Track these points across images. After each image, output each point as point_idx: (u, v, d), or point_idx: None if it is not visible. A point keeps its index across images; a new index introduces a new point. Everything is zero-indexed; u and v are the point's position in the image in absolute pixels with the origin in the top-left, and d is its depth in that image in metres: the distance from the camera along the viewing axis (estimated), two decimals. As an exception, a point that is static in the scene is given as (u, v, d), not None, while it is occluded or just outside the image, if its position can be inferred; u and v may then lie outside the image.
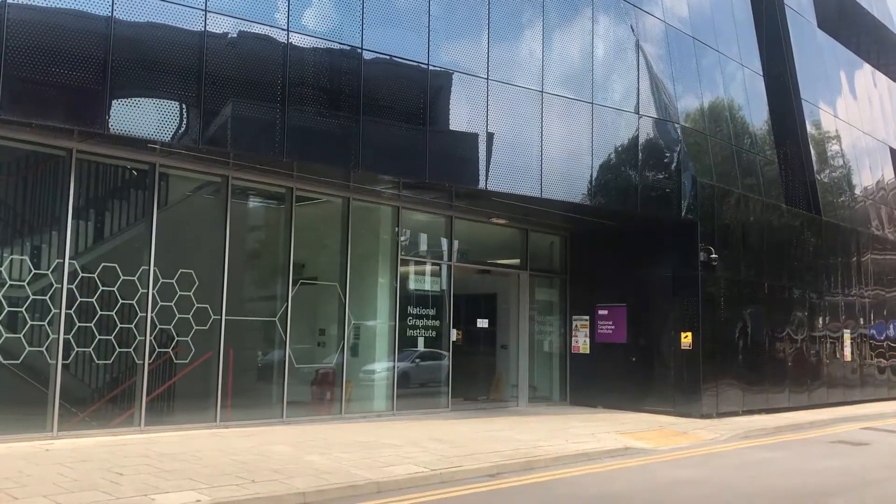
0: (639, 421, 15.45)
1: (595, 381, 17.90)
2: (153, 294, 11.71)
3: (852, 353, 22.05)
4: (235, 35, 11.26)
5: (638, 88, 16.30)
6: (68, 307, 10.90)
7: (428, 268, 16.43)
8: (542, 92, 14.68)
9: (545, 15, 15.01)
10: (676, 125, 16.84)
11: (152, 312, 11.70)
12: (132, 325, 11.60)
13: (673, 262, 16.97)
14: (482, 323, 18.35)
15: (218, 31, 10.97)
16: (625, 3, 16.37)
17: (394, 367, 15.03)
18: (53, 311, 10.82)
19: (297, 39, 11.75)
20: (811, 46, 22.93)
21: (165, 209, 12.10)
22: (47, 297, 10.83)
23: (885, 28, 27.84)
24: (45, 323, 10.80)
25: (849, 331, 21.96)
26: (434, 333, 15.99)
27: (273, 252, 14.02)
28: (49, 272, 10.90)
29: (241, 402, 12.88)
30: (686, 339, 16.43)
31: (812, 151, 21.70)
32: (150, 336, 11.67)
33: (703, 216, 16.68)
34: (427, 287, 16.36)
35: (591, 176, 15.41)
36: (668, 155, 16.67)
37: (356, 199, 14.51)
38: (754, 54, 20.21)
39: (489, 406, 17.47)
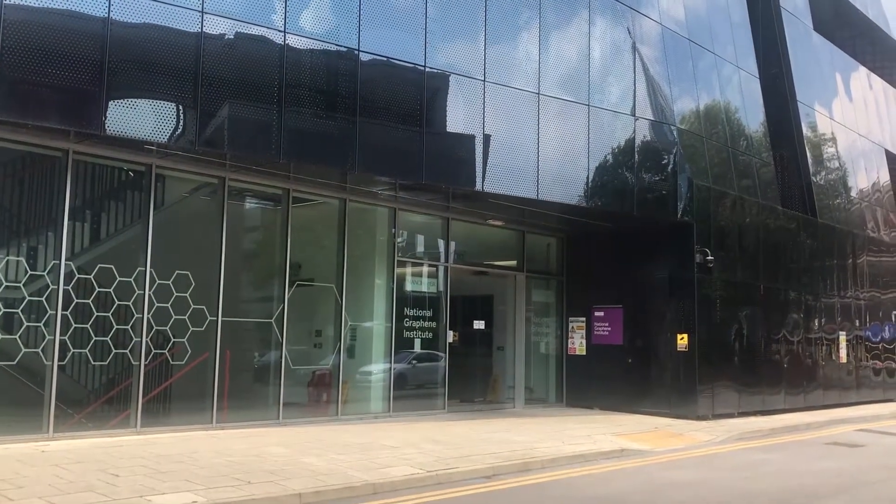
0: (635, 422, 15.47)
1: (591, 383, 17.91)
2: (149, 295, 11.70)
3: (848, 355, 22.09)
4: (232, 36, 11.26)
5: (634, 90, 16.34)
6: (64, 308, 10.89)
7: (425, 269, 16.43)
8: (538, 94, 14.71)
9: (542, 17, 15.03)
10: (673, 127, 16.87)
11: (148, 314, 11.69)
12: (128, 327, 11.59)
13: (669, 263, 16.99)
14: (479, 324, 18.38)
15: (215, 33, 10.97)
16: (621, 6, 16.40)
17: (390, 368, 15.03)
18: (49, 312, 10.81)
19: (293, 41, 11.76)
20: (807, 49, 22.99)
21: (162, 210, 12.10)
22: (43, 299, 10.82)
23: (880, 31, 27.93)
24: (42, 324, 10.79)
25: (844, 333, 22.00)
26: (431, 335, 15.99)
27: (269, 253, 14.01)
28: (45, 273, 10.89)
29: (238, 403, 12.88)
30: (682, 340, 16.46)
31: (808, 154, 21.75)
32: (147, 337, 11.66)
33: (699, 218, 16.71)
34: (424, 288, 16.36)
35: (588, 178, 15.43)
36: (664, 157, 16.70)
37: (353, 200, 14.51)
38: (750, 57, 20.25)
39: (486, 408, 17.49)
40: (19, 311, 10.62)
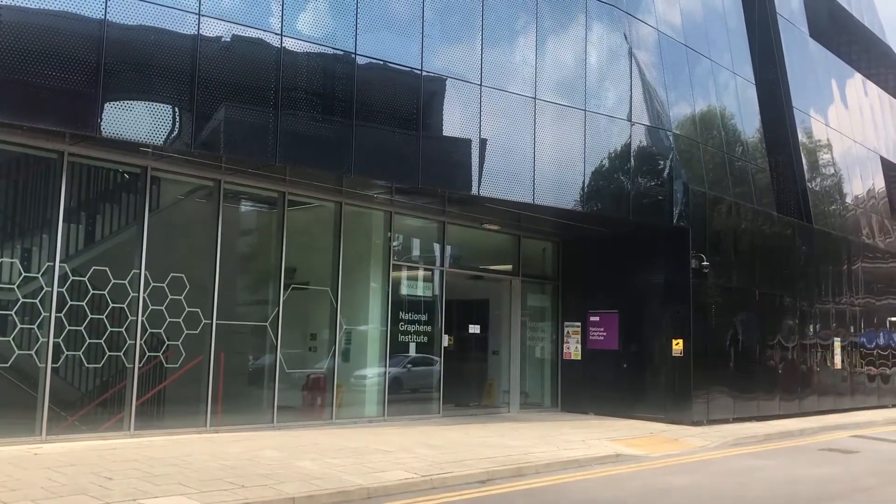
0: (630, 428, 15.46)
1: (586, 388, 17.90)
2: (144, 298, 11.66)
3: (843, 361, 22.12)
4: (229, 39, 11.25)
5: (631, 96, 16.35)
6: (58, 310, 10.85)
7: (420, 273, 16.43)
8: (535, 98, 14.72)
9: (539, 22, 15.05)
10: (669, 133, 16.90)
11: (143, 316, 11.66)
12: (122, 329, 11.55)
13: (664, 269, 17.01)
14: (474, 329, 18.37)
15: (211, 35, 10.96)
16: (618, 11, 16.43)
17: (385, 372, 15.01)
18: (43, 314, 10.77)
19: (290, 44, 11.75)
20: (803, 55, 23.06)
21: (157, 213, 12.07)
22: (37, 301, 10.78)
23: (875, 38, 28.03)
24: (35, 326, 10.75)
25: (839, 339, 22.03)
26: (426, 339, 15.97)
27: (265, 256, 13.99)
28: (39, 275, 10.86)
29: (232, 406, 12.84)
30: (677, 346, 16.46)
31: (803, 160, 21.80)
32: (141, 340, 11.63)
33: (694, 223, 16.73)
34: (419, 292, 16.34)
35: (584, 182, 15.44)
36: (660, 162, 16.73)
37: (349, 203, 14.50)
38: (746, 63, 20.31)
39: (480, 412, 17.46)
40: (13, 312, 10.58)
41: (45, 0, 9.56)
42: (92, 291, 11.26)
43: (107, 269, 11.43)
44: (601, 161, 15.91)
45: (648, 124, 16.60)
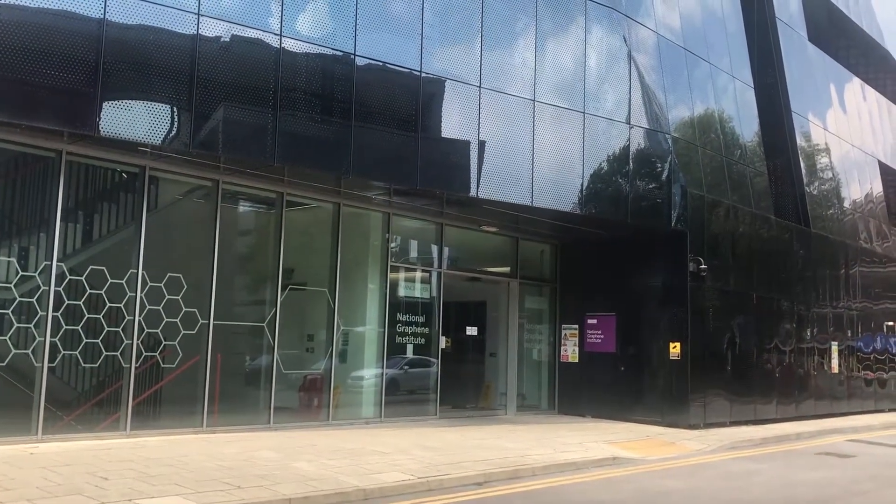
0: (627, 430, 15.46)
1: (584, 391, 17.90)
2: (141, 297, 11.65)
3: (840, 366, 22.13)
4: (228, 39, 11.24)
5: (629, 99, 16.36)
6: (55, 310, 10.83)
7: (418, 274, 16.42)
8: (534, 100, 14.72)
9: (538, 24, 15.06)
10: (667, 136, 16.91)
11: (140, 316, 11.64)
12: (119, 329, 11.53)
13: (662, 271, 17.01)
14: (471, 331, 18.35)
15: (210, 35, 10.95)
16: (617, 14, 16.45)
17: (382, 373, 14.99)
18: (40, 313, 10.75)
19: (289, 44, 11.74)
20: (802, 59, 23.08)
21: (155, 212, 12.06)
22: (34, 300, 10.76)
23: (874, 42, 28.06)
24: (32, 325, 10.73)
25: (836, 343, 22.04)
26: (423, 340, 15.96)
27: (262, 257, 13.98)
28: (36, 274, 10.84)
29: (229, 407, 12.82)
30: (675, 349, 16.47)
31: (802, 164, 21.81)
32: (138, 340, 11.61)
33: (692, 227, 16.73)
34: (417, 294, 16.33)
35: (582, 185, 15.45)
36: (658, 165, 16.73)
37: (347, 204, 14.49)
38: (745, 66, 20.32)
39: (477, 414, 17.45)
40: (10, 311, 10.55)
41: (44, -1, 9.56)
42: (89, 291, 11.25)
43: (104, 268, 11.42)
44: (600, 164, 15.91)
45: (647, 127, 16.61)
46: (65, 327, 10.95)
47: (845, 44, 27.22)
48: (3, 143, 10.50)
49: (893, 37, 29.21)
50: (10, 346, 10.50)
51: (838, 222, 23.47)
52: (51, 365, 10.78)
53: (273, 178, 12.98)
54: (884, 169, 26.93)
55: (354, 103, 12.31)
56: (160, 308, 11.89)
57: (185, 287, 12.14)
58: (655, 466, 12.05)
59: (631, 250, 17.45)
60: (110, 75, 10.08)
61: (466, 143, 13.90)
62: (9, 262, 10.80)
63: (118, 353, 11.51)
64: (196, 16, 10.76)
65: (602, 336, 17.79)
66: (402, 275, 15.96)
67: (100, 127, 10.05)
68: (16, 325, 10.59)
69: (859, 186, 25.17)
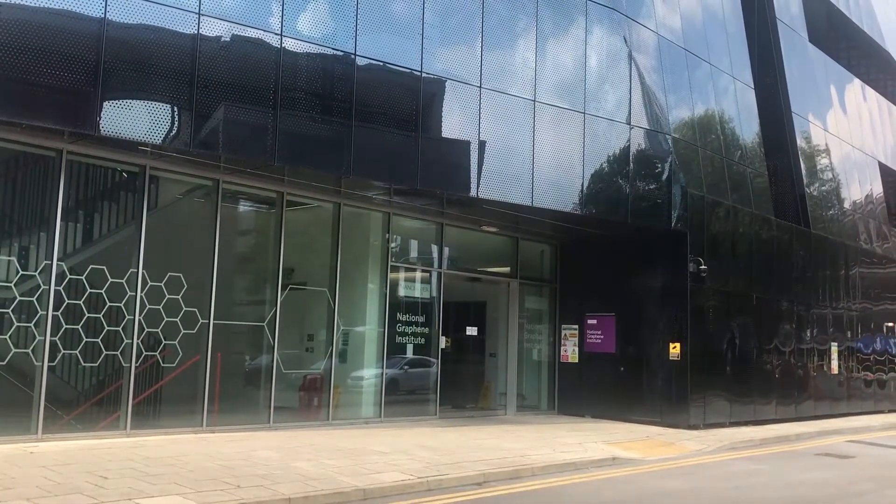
0: (626, 431, 15.46)
1: (583, 391, 17.90)
2: (141, 297, 11.65)
3: (839, 367, 22.14)
4: (229, 39, 11.24)
5: (630, 99, 16.37)
6: (55, 309, 10.84)
7: (418, 274, 16.42)
8: (534, 101, 14.72)
9: (539, 24, 15.06)
10: (668, 136, 16.91)
11: (140, 315, 11.65)
12: (119, 328, 11.54)
13: (662, 272, 17.01)
14: (471, 331, 18.35)
15: (211, 35, 10.95)
16: (618, 15, 16.45)
17: (382, 373, 14.99)
18: (40, 312, 10.76)
19: (290, 44, 11.75)
20: (802, 60, 23.08)
21: (155, 212, 12.06)
22: (34, 299, 10.76)
23: (875, 43, 28.07)
24: (32, 324, 10.73)
25: (836, 344, 22.05)
26: (423, 340, 15.97)
27: (263, 256, 13.98)
28: (37, 273, 10.84)
29: (228, 406, 12.83)
30: (674, 349, 16.47)
31: (802, 164, 21.82)
32: (138, 339, 11.61)
33: (692, 227, 16.74)
34: (417, 294, 16.34)
35: (583, 185, 15.45)
36: (658, 166, 16.74)
37: (347, 204, 14.50)
38: (746, 67, 20.32)
39: (477, 414, 17.46)
40: (10, 311, 10.56)
41: (44, -2, 9.57)
42: (89, 290, 11.25)
43: (104, 267, 11.42)
44: (600, 164, 15.92)
45: (647, 128, 16.61)
46: (65, 326, 10.96)
47: (846, 45, 27.23)
48: (3, 143, 10.50)
49: (894, 38, 29.22)
50: (11, 345, 10.51)
51: (838, 223, 23.47)
52: (51, 364, 10.79)
53: (273, 178, 12.99)
54: (884, 170, 26.93)
55: (355, 103, 12.31)
56: (160, 307, 11.89)
57: (186, 286, 12.14)
58: (655, 467, 12.05)
59: (631, 251, 17.45)
60: (111, 75, 10.08)
61: (467, 144, 13.91)
62: (9, 261, 10.81)
63: (118, 353, 11.52)
64: (196, 15, 10.76)
65: (602, 336, 17.80)
66: (402, 275, 15.96)
67: (100, 126, 10.05)
68: (16, 324, 10.59)
69: (859, 187, 25.17)
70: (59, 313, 10.90)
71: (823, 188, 23.21)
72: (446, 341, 16.56)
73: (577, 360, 18.18)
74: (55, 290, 10.84)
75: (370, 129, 12.59)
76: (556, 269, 18.91)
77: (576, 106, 15.43)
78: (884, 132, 28.11)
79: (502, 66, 14.50)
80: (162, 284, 11.92)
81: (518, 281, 18.28)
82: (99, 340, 11.35)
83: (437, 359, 16.04)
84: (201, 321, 12.32)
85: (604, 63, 16.26)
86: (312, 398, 14.20)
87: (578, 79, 15.60)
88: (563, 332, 18.50)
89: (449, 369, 16.48)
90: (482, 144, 13.96)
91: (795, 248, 20.67)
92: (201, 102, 10.86)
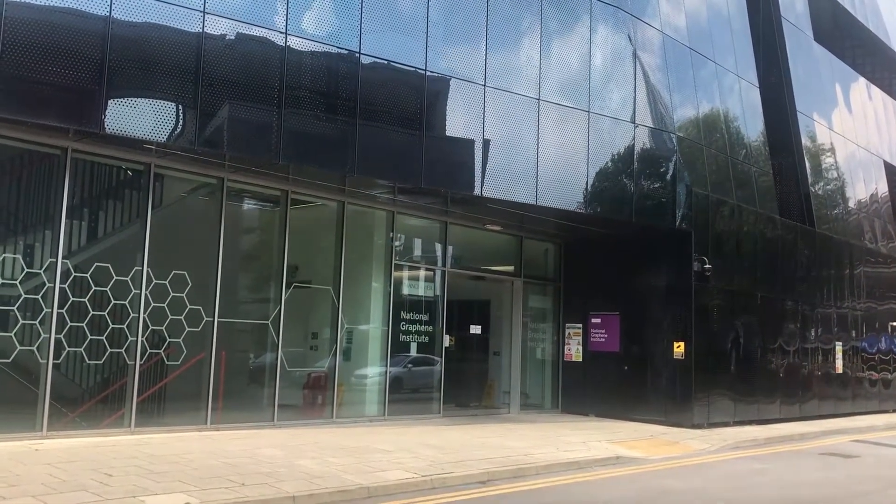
0: (630, 430, 15.45)
1: (587, 390, 17.89)
2: (146, 295, 11.67)
3: (844, 366, 22.09)
4: (233, 37, 11.25)
5: (634, 98, 16.35)
6: (60, 306, 10.86)
7: (422, 273, 16.42)
8: (538, 99, 14.71)
9: (543, 23, 15.04)
10: (672, 135, 16.88)
11: (144, 313, 11.66)
12: (124, 326, 11.56)
13: (667, 271, 16.99)
14: (475, 329, 18.36)
15: (216, 33, 10.96)
16: (623, 13, 16.42)
17: (386, 371, 15.00)
18: (45, 310, 10.78)
19: (295, 43, 11.75)
20: (807, 59, 23.03)
21: (160, 210, 12.08)
22: (39, 297, 10.78)
23: (880, 42, 28.00)
24: (37, 322, 10.75)
25: (841, 343, 22.00)
26: (427, 339, 15.97)
27: (267, 255, 13.99)
28: (42, 271, 10.86)
29: (233, 404, 12.85)
30: (679, 348, 16.45)
31: (807, 163, 21.78)
32: (142, 337, 11.63)
33: (697, 226, 16.71)
34: (421, 292, 16.35)
35: (587, 184, 15.43)
36: (663, 164, 16.71)
37: (351, 202, 14.50)
38: (750, 66, 20.28)
39: (481, 413, 17.46)
40: (15, 308, 10.58)
41: (50, -4, 9.58)
42: (94, 288, 11.27)
43: (109, 265, 11.44)
44: (604, 163, 15.90)
45: (652, 126, 16.58)
46: (70, 324, 10.98)
47: (851, 44, 27.17)
48: (8, 141, 10.51)
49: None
50: (16, 342, 10.53)
51: (843, 222, 23.42)
52: (56, 362, 10.81)
53: (278, 176, 13.00)
54: (889, 169, 26.86)
55: (359, 102, 12.31)
56: (165, 305, 11.91)
57: (190, 284, 12.16)
58: (659, 466, 12.04)
59: (635, 249, 17.43)
60: (116, 73, 10.09)
61: (471, 142, 13.90)
62: (14, 258, 10.83)
63: (123, 350, 11.54)
64: (201, 14, 10.77)
65: (606, 335, 17.78)
66: (406, 273, 15.97)
67: (105, 124, 10.07)
68: (21, 321, 10.62)
69: (864, 186, 25.12)
70: (63, 311, 10.92)
71: (828, 187, 23.16)
72: (450, 340, 16.56)
73: (580, 359, 18.17)
74: (60, 288, 10.86)
75: (374, 127, 12.59)
76: (560, 267, 18.89)
77: (580, 104, 15.41)
78: (889, 131, 28.04)
79: (507, 65, 14.49)
80: (166, 282, 11.93)
81: (522, 280, 18.27)
82: (104, 338, 11.37)
83: (441, 357, 16.04)
84: (206, 319, 12.33)
85: (608, 61, 16.24)
86: (316, 396, 14.21)
87: (583, 77, 15.58)
88: (566, 331, 18.49)
89: (452, 368, 16.49)
90: (486, 143, 13.96)
91: (800, 247, 20.62)
92: (206, 101, 10.87)
